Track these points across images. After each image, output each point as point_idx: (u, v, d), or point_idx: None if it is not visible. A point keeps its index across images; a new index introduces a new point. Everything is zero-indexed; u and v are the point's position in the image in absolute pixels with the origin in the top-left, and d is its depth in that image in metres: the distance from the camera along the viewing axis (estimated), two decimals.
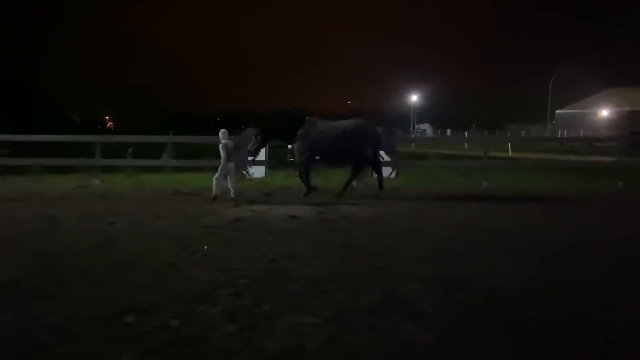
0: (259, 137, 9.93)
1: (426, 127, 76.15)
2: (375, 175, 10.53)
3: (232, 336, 3.20)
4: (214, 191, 9.37)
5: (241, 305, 3.77)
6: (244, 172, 14.21)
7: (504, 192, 10.82)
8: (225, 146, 9.36)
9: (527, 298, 4.01)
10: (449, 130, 71.32)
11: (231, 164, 9.40)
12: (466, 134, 49.38)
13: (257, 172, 14.49)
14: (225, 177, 9.46)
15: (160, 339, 3.14)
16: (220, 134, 9.57)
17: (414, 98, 76.42)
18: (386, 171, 14.04)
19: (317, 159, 9.88)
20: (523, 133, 61.17)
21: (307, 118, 9.96)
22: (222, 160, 9.34)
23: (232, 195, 9.26)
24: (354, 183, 10.43)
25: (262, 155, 14.62)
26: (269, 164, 14.48)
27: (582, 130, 54.43)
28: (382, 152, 13.99)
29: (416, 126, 73.67)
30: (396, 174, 14.12)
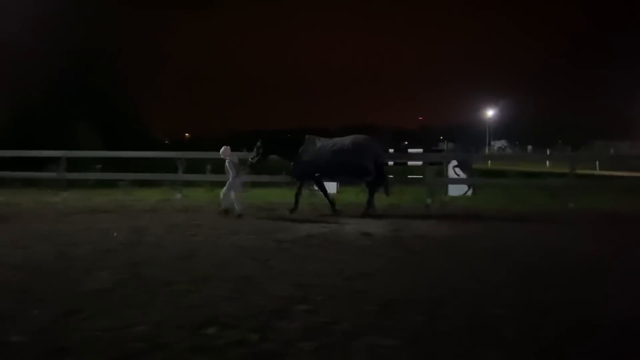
0: (260, 150, 10.15)
1: (503, 144, 73.15)
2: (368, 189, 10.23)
3: (311, 354, 3.21)
4: (223, 205, 9.60)
5: (318, 323, 3.77)
6: (315, 188, 14.35)
7: (593, 214, 10.07)
8: (232, 162, 9.63)
9: (624, 330, 3.68)
10: (529, 147, 67.98)
11: (238, 180, 9.65)
12: (548, 151, 46.85)
13: (329, 188, 14.59)
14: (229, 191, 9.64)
15: (240, 352, 3.21)
16: (221, 151, 9.81)
17: (490, 113, 73.63)
18: (461, 189, 13.65)
19: (317, 175, 10.04)
20: (611, 150, 57.04)
21: (306, 136, 10.21)
22: (230, 176, 9.56)
23: (237, 211, 9.38)
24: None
25: None
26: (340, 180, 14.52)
27: None
28: (458, 170, 13.64)
29: (492, 142, 70.99)
30: (472, 192, 13.65)
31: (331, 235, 7.58)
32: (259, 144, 10.27)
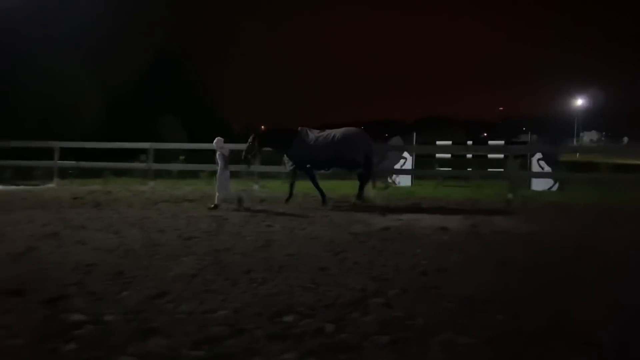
0: (255, 143, 10.28)
1: (593, 135, 68.06)
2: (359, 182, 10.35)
3: (387, 348, 3.18)
4: (218, 200, 9.54)
5: (393, 317, 3.73)
6: (390, 180, 14.22)
7: None
8: (222, 155, 9.65)
9: None
10: (625, 139, 62.62)
11: (227, 172, 9.60)
12: None
13: (403, 180, 14.39)
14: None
15: (317, 341, 3.24)
16: (214, 142, 9.79)
17: (579, 102, 68.34)
18: (546, 183, 12.89)
19: (308, 167, 10.23)
20: None
21: (299, 128, 10.33)
22: (218, 169, 9.58)
23: (215, 201, 9.43)
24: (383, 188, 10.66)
25: (408, 163, 14.53)
26: (415, 172, 14.29)
27: None
28: (542, 163, 12.89)
29: (581, 133, 66.23)
30: (559, 186, 12.86)
31: (406, 228, 7.46)
32: (251, 138, 10.43)
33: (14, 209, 9.30)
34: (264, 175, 14.23)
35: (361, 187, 10.21)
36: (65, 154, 15.82)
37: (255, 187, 13.27)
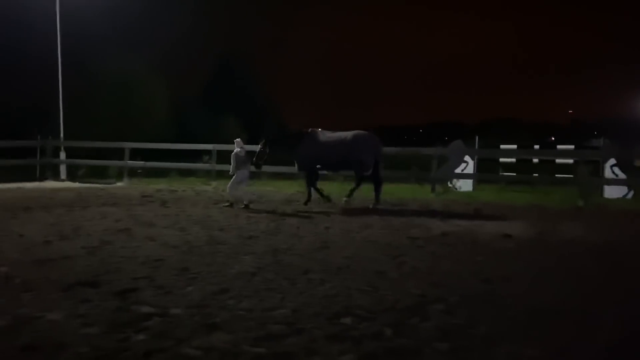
0: (265, 149, 10.38)
1: None
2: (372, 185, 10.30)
3: (447, 355, 3.11)
4: (244, 199, 9.64)
5: (453, 324, 3.64)
6: (450, 185, 13.89)
7: None
8: (237, 155, 9.72)
9: None
10: None
11: (242, 172, 9.69)
12: None
13: (465, 185, 14.02)
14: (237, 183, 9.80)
15: (375, 345, 3.22)
16: (235, 142, 9.97)
17: None
18: (620, 191, 12.12)
19: (318, 167, 10.40)
20: None
21: (309, 130, 10.40)
22: (231, 169, 9.74)
23: (229, 199, 9.68)
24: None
25: (470, 167, 14.14)
26: (478, 177, 13.88)
27: None
28: (616, 170, 12.13)
29: None
30: (633, 194, 12.05)
31: (467, 235, 7.26)
32: (262, 144, 10.53)
33: (90, 205, 9.92)
34: (322, 177, 14.31)
35: (356, 187, 10.18)
36: (135, 154, 16.71)
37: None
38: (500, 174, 14.82)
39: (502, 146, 15.12)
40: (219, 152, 15.65)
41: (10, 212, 8.76)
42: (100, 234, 6.83)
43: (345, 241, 6.69)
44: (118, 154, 17.00)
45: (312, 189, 10.46)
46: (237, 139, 10.16)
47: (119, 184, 15.30)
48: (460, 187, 13.93)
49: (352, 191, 10.20)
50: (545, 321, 3.72)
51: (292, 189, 13.28)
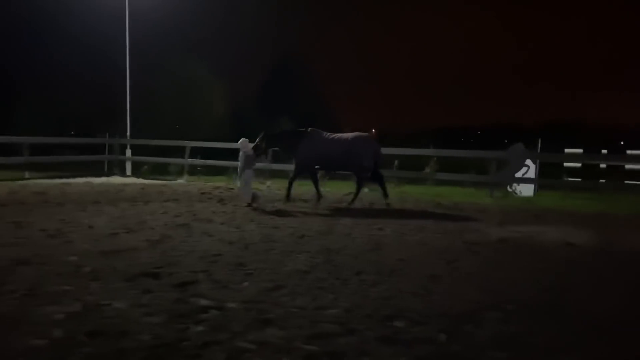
0: (263, 144, 10.26)
1: None
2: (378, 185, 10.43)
3: None
4: (247, 199, 9.63)
5: (510, 333, 3.53)
6: (510, 189, 13.43)
7: None
8: (244, 155, 9.66)
9: None
10: None
11: (249, 172, 9.67)
12: None
13: (525, 190, 13.51)
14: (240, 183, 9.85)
15: (428, 350, 3.19)
16: (239, 142, 9.88)
17: None
18: None
19: (317, 167, 10.38)
20: None
21: (309, 129, 10.33)
22: (238, 169, 9.66)
23: (246, 201, 9.60)
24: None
25: (531, 172, 13.60)
26: (539, 182, 13.33)
27: None
28: None
29: None
30: None
31: (526, 242, 6.99)
32: (259, 138, 10.37)
33: (152, 200, 10.39)
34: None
35: (358, 190, 10.30)
36: (195, 152, 17.34)
37: (365, 190, 13.34)
38: (564, 179, 14.16)
39: (566, 150, 14.42)
40: (274, 151, 15.95)
41: (81, 205, 9.32)
42: (161, 228, 7.15)
43: (398, 243, 6.64)
44: (179, 152, 17.69)
45: (317, 187, 10.62)
46: (242, 139, 10.08)
47: (180, 180, 15.91)
48: (520, 192, 13.44)
49: (355, 196, 10.26)
50: (607, 333, 3.54)
51: (347, 190, 13.30)
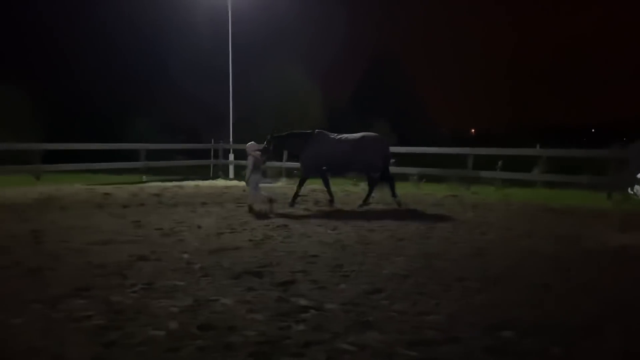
0: (270, 146, 10.11)
1: None
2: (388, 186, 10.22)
3: None
4: (256, 201, 9.34)
5: (637, 351, 3.17)
6: (632, 191, 12.14)
7: None
8: (254, 158, 9.36)
9: None
10: None
11: (256, 176, 9.38)
12: None
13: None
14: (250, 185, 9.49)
15: None
16: (247, 146, 9.63)
17: None
18: None
19: (324, 169, 10.20)
20: None
21: (316, 131, 10.27)
22: (247, 172, 9.40)
23: (248, 202, 9.34)
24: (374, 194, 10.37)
25: None
26: None
27: None
28: None
29: None
30: None
31: None
32: (267, 139, 10.10)
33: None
34: (474, 180, 13.64)
35: (370, 190, 10.22)
36: (291, 155, 17.83)
37: (467, 192, 12.81)
38: None
39: None
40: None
41: (191, 206, 10.00)
42: (263, 229, 7.44)
43: (503, 249, 6.28)
44: (277, 155, 18.30)
45: (329, 189, 10.41)
46: (250, 142, 9.81)
47: (278, 183, 16.46)
48: None
49: (367, 197, 10.16)
50: None
51: (444, 192, 12.89)
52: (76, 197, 11.02)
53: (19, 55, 32.87)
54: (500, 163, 13.48)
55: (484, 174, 13.59)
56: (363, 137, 10.08)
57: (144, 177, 16.55)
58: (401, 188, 14.03)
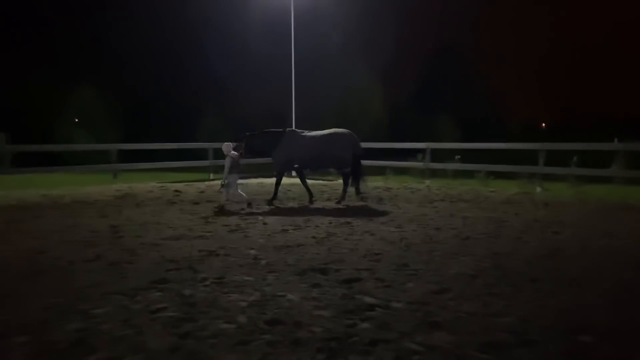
0: (244, 147, 10.15)
1: None
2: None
3: None
4: (235, 200, 9.47)
5: None
6: None
7: None
8: (231, 159, 9.42)
9: None
10: None
11: (233, 176, 9.39)
12: None
13: None
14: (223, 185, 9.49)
15: None
16: (223, 146, 9.66)
17: None
18: None
19: (296, 167, 10.44)
20: None
21: (287, 129, 10.48)
22: (224, 173, 9.41)
23: (224, 200, 9.45)
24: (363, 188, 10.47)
25: None
26: None
27: None
28: None
29: None
30: None
31: None
32: (241, 138, 10.21)
33: (316, 199, 10.96)
34: (547, 177, 12.98)
35: (345, 185, 10.43)
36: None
37: (538, 189, 12.21)
38: None
39: None
40: (432, 150, 15.66)
41: (255, 203, 10.26)
42: (326, 226, 7.50)
43: (578, 249, 5.94)
44: None
45: (306, 186, 10.61)
46: (226, 143, 9.81)
47: (339, 180, 16.51)
48: None
49: (344, 192, 10.42)
50: None
51: (514, 190, 12.39)
52: (150, 195, 11.64)
53: (104, 63, 35.31)
54: (575, 158, 12.76)
55: (557, 170, 12.91)
56: (332, 133, 10.32)
57: (211, 175, 17.15)
58: (467, 185, 13.68)
